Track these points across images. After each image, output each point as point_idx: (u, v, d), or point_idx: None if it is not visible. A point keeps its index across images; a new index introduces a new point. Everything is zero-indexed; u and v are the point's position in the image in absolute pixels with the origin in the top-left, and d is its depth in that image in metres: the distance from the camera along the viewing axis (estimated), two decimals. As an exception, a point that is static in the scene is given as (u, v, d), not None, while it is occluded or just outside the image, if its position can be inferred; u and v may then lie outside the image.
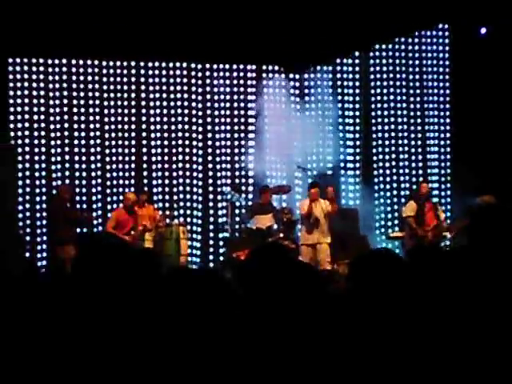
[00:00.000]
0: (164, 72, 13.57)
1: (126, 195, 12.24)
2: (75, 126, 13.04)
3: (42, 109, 12.83)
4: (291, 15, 12.36)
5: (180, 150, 13.72)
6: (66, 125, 12.98)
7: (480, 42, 13.89)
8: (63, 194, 12.02)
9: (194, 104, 13.74)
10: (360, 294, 3.30)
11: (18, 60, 12.64)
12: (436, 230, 11.96)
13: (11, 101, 12.65)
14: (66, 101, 12.97)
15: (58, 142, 12.95)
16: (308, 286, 3.28)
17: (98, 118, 13.20)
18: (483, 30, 13.87)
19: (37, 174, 12.84)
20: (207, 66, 13.74)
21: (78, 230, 12.72)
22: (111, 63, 13.24)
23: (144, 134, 13.51)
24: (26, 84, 12.70)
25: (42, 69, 12.78)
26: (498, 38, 13.46)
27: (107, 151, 13.29)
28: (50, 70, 12.85)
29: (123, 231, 11.64)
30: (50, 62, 12.81)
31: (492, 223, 3.26)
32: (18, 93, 12.71)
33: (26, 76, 12.69)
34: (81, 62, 12.96)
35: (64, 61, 12.86)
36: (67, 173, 12.99)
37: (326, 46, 12.95)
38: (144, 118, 13.50)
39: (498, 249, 3.17)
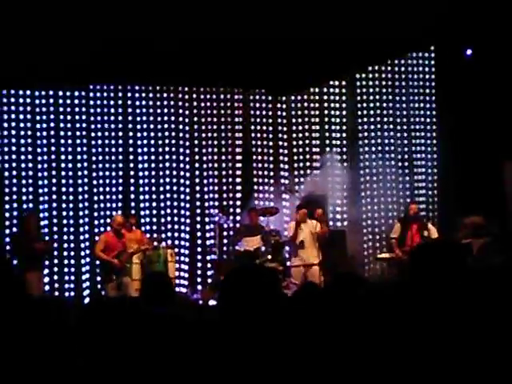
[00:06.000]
0: (151, 95, 13.62)
1: (114, 217, 12.09)
2: (62, 149, 13.04)
3: (29, 132, 12.86)
4: (278, 39, 12.35)
5: (167, 172, 13.74)
6: (53, 148, 13.00)
7: (466, 63, 13.92)
8: (27, 224, 11.52)
9: (180, 127, 13.78)
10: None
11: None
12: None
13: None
14: (52, 124, 13.00)
15: (45, 165, 12.95)
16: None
17: (85, 141, 13.21)
18: (469, 52, 13.90)
19: (24, 198, 12.82)
20: (194, 88, 13.79)
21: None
22: (98, 87, 13.28)
23: (131, 157, 13.52)
24: (13, 109, 12.78)
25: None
26: (484, 59, 13.47)
27: (94, 174, 13.29)
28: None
29: (111, 254, 11.55)
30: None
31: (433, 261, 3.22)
32: (5, 117, 12.76)
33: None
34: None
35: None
36: (54, 196, 12.97)
37: (313, 69, 12.94)
38: (131, 141, 13.53)
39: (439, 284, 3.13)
